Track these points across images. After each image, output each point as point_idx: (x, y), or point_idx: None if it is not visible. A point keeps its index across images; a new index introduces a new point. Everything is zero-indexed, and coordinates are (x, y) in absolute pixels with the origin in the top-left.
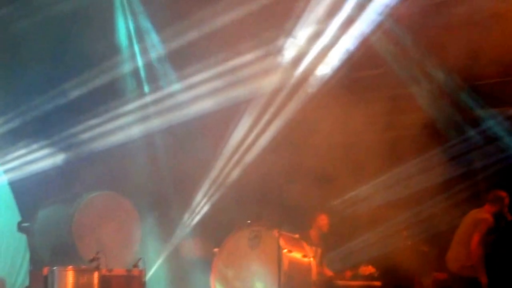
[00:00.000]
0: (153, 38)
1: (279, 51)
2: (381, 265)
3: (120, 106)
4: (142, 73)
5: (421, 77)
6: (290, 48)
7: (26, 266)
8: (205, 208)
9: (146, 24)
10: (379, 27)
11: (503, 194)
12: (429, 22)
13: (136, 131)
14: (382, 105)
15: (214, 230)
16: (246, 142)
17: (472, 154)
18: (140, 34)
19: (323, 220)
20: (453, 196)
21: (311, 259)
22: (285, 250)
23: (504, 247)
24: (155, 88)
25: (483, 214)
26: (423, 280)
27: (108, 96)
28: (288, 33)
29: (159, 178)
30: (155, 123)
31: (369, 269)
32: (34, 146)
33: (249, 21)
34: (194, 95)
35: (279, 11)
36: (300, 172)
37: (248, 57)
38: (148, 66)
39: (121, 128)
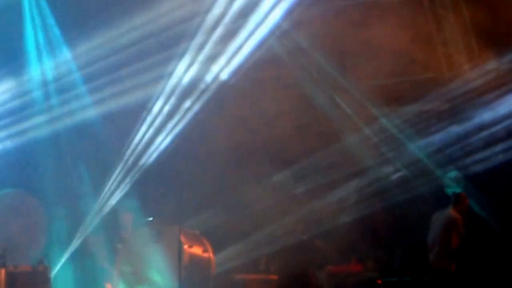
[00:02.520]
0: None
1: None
2: (277, 260)
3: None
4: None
5: (319, 77)
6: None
7: None
8: (111, 203)
9: (56, 35)
10: (278, 30)
11: (463, 195)
12: (326, 24)
13: (43, 131)
14: (280, 105)
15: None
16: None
17: (364, 152)
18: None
19: None
20: (347, 196)
21: (211, 254)
22: (185, 246)
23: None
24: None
25: (454, 214)
26: (318, 273)
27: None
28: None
29: (67, 175)
30: (62, 123)
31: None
32: None
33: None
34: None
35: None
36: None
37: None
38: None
39: (28, 128)
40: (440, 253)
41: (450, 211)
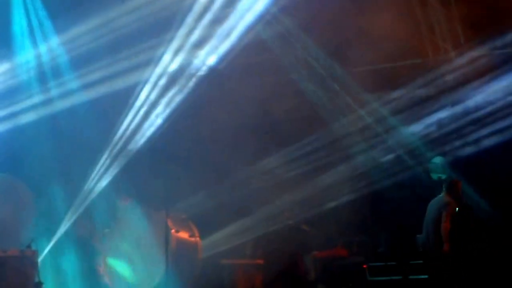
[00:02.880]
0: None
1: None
2: (264, 244)
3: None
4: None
5: (304, 62)
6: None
7: None
8: (98, 189)
9: (44, 19)
10: (263, 15)
11: (455, 181)
12: (312, 10)
13: (31, 115)
14: (264, 90)
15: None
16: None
17: (352, 137)
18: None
19: None
20: (333, 178)
21: (198, 238)
22: (172, 230)
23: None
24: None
25: (448, 198)
26: (305, 258)
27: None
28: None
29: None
30: (50, 107)
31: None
32: None
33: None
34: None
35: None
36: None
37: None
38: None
39: (17, 113)
40: (434, 237)
41: (444, 197)
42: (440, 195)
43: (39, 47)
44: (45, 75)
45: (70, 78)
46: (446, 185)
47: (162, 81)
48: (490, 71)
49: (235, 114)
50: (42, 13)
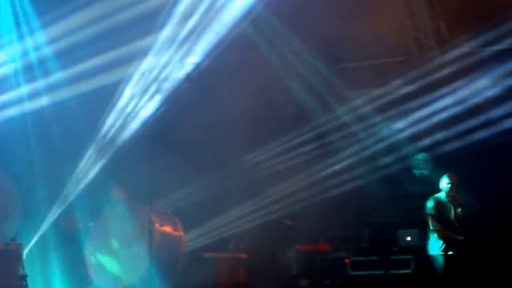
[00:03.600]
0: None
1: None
2: (247, 239)
3: None
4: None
5: (290, 60)
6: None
7: None
8: (83, 183)
9: (28, 13)
10: (249, 12)
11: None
12: (297, 8)
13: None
14: (250, 87)
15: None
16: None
17: (336, 134)
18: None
19: None
20: (315, 173)
21: (181, 232)
22: (156, 224)
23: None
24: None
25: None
26: (288, 252)
27: None
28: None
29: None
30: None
31: None
32: None
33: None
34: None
35: None
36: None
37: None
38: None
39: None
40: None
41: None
42: (446, 190)
43: (25, 40)
44: (31, 68)
45: (56, 72)
46: (449, 180)
47: (148, 77)
48: (474, 68)
49: (221, 110)
50: (28, 7)
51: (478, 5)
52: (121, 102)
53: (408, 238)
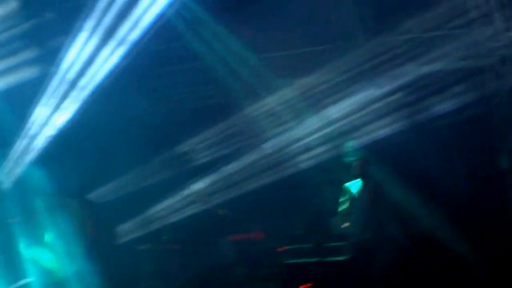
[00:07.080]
0: None
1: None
2: (181, 229)
3: None
4: None
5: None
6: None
7: None
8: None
9: None
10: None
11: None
12: None
13: None
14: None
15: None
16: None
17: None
18: None
19: None
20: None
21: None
22: (89, 218)
23: None
24: None
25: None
26: (221, 242)
27: None
28: None
29: None
30: None
31: None
32: None
33: None
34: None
35: None
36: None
37: None
38: None
39: None
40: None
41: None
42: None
43: None
44: None
45: None
46: (361, 166)
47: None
48: (400, 56)
49: (147, 103)
50: None
51: None
52: (46, 97)
53: (343, 226)
